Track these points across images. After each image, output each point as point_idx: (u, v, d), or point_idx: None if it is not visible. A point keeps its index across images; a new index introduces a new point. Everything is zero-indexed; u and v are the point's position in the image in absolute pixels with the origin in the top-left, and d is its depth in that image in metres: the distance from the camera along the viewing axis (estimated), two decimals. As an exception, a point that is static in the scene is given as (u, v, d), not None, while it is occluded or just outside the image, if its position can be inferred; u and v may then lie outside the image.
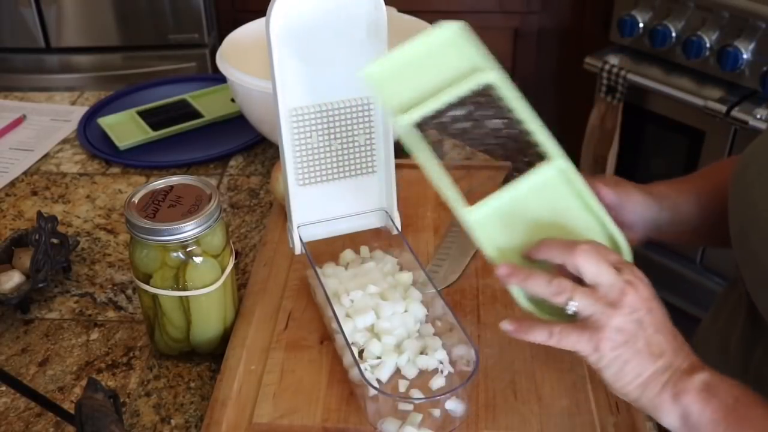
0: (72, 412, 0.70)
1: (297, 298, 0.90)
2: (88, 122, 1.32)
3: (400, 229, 0.89)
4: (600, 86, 2.01)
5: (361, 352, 0.80)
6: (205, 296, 0.82)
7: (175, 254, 0.80)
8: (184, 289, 0.81)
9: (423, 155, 0.67)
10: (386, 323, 0.82)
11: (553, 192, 0.68)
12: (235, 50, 1.19)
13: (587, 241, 0.65)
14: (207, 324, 0.85)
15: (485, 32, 2.53)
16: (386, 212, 0.90)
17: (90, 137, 1.28)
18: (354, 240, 0.93)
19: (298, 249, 0.87)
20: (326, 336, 0.85)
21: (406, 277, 0.88)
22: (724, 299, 0.83)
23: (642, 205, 0.80)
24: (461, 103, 0.67)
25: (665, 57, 1.92)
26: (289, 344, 0.84)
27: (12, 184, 1.19)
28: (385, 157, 0.87)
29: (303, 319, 0.87)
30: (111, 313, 0.94)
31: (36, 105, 1.40)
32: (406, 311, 0.84)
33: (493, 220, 0.67)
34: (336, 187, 0.87)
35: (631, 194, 0.80)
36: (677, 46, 1.87)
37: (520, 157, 0.68)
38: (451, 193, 0.67)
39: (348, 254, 0.92)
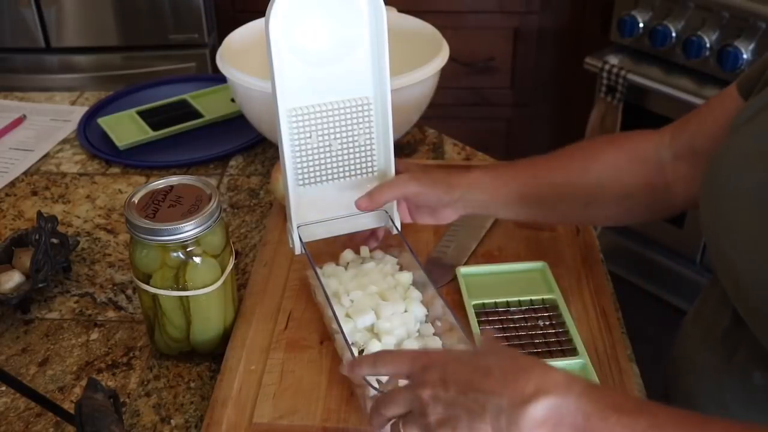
0: (72, 412, 0.70)
1: (297, 298, 0.90)
2: (88, 122, 1.32)
3: (399, 228, 0.89)
4: (600, 86, 2.01)
5: (361, 352, 0.80)
6: (205, 296, 0.82)
7: (175, 254, 0.80)
8: (184, 289, 0.81)
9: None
10: (386, 323, 0.82)
11: None
12: (235, 50, 1.19)
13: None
14: (207, 324, 0.85)
15: (485, 32, 2.55)
16: (386, 212, 0.90)
17: (90, 137, 1.28)
18: (354, 240, 0.92)
19: (297, 249, 0.87)
20: (326, 336, 0.85)
21: (406, 277, 0.88)
22: (707, 293, 0.83)
23: (427, 193, 0.86)
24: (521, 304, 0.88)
25: (665, 57, 1.92)
26: (289, 344, 0.84)
27: (12, 184, 1.19)
28: (385, 157, 0.87)
29: (303, 319, 0.87)
30: (111, 313, 0.94)
31: (36, 105, 1.40)
32: (406, 311, 0.84)
33: None
34: (336, 188, 0.87)
35: (413, 189, 0.86)
36: (677, 46, 1.87)
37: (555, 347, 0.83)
38: None
39: (348, 254, 0.92)
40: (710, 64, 1.82)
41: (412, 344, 0.81)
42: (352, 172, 0.87)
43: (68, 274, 1.00)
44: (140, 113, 1.32)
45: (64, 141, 1.29)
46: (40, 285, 0.93)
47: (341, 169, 0.86)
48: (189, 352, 0.87)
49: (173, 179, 0.84)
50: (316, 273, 0.84)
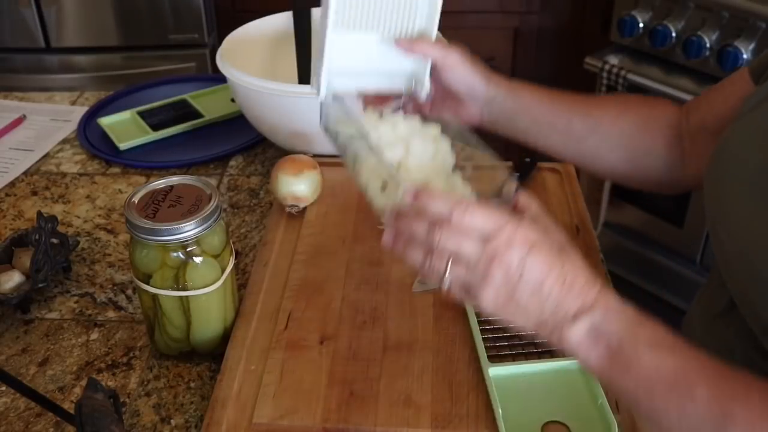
0: (72, 412, 0.70)
1: (297, 298, 0.90)
2: (88, 122, 1.32)
3: (428, 90, 0.85)
4: (600, 86, 2.01)
5: (385, 187, 0.74)
6: (205, 296, 0.82)
7: (175, 254, 0.80)
8: (184, 289, 0.81)
9: None
10: (415, 159, 0.77)
11: (569, 376, 0.80)
12: (235, 50, 1.19)
13: (457, 212, 0.63)
14: (207, 324, 0.85)
15: (485, 32, 2.55)
16: (415, 78, 0.86)
17: (90, 137, 1.28)
18: (378, 101, 0.88)
19: (323, 92, 0.83)
20: (326, 336, 0.85)
21: (434, 128, 0.83)
22: (711, 276, 0.85)
23: (465, 74, 0.85)
24: None
25: (665, 57, 1.92)
26: (289, 344, 0.84)
27: (12, 184, 1.19)
28: (428, 16, 0.84)
29: (303, 319, 0.87)
30: (111, 313, 0.94)
31: (36, 105, 1.40)
32: (435, 153, 0.79)
33: (510, 379, 0.79)
34: (372, 42, 0.84)
35: (454, 60, 0.85)
36: (677, 46, 1.87)
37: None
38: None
39: (371, 112, 0.87)
40: (710, 64, 1.82)
41: (439, 185, 0.76)
42: (393, 23, 0.83)
43: (68, 274, 1.00)
44: (140, 113, 1.32)
45: (64, 141, 1.29)
46: (40, 285, 0.93)
47: (382, 18, 0.82)
48: (189, 352, 0.87)
49: (173, 179, 0.84)
50: (344, 107, 0.80)
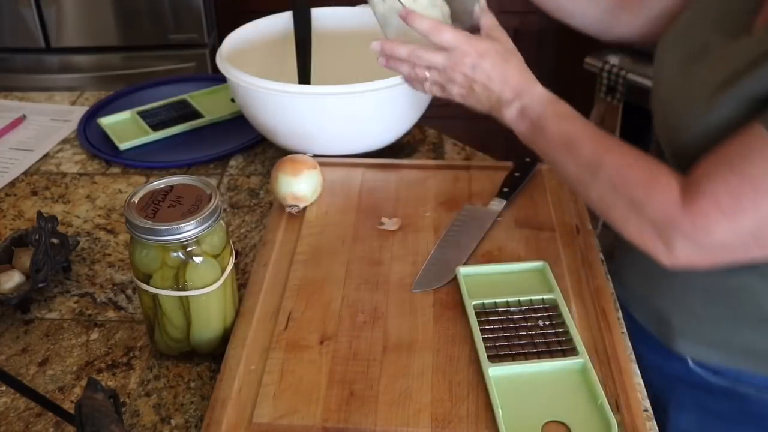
0: (72, 412, 0.70)
1: (297, 298, 0.90)
2: (88, 122, 1.33)
3: None
4: (600, 86, 2.01)
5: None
6: (205, 296, 0.82)
7: (175, 254, 0.80)
8: (184, 289, 0.81)
9: None
10: None
11: (569, 376, 0.80)
12: (235, 50, 1.19)
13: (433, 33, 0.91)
14: (207, 324, 0.85)
15: (485, 32, 2.41)
16: None
17: (90, 137, 1.28)
18: None
19: None
20: (326, 336, 0.85)
21: None
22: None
23: None
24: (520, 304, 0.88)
25: (665, 57, 1.92)
26: (289, 344, 0.84)
27: (12, 184, 1.19)
28: None
29: (303, 319, 0.87)
30: (111, 313, 0.94)
31: (36, 105, 1.41)
32: None
33: (510, 379, 0.79)
34: None
35: None
36: (677, 46, 1.87)
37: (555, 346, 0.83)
38: None
39: None
40: (710, 64, 1.82)
41: (425, 3, 0.95)
42: None
43: (68, 274, 1.00)
44: (140, 113, 1.32)
45: (64, 141, 1.29)
46: (40, 285, 0.93)
47: None
48: (189, 352, 0.87)
49: (173, 179, 0.84)
50: None
